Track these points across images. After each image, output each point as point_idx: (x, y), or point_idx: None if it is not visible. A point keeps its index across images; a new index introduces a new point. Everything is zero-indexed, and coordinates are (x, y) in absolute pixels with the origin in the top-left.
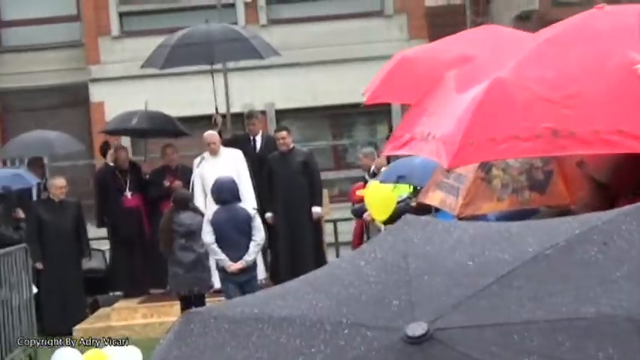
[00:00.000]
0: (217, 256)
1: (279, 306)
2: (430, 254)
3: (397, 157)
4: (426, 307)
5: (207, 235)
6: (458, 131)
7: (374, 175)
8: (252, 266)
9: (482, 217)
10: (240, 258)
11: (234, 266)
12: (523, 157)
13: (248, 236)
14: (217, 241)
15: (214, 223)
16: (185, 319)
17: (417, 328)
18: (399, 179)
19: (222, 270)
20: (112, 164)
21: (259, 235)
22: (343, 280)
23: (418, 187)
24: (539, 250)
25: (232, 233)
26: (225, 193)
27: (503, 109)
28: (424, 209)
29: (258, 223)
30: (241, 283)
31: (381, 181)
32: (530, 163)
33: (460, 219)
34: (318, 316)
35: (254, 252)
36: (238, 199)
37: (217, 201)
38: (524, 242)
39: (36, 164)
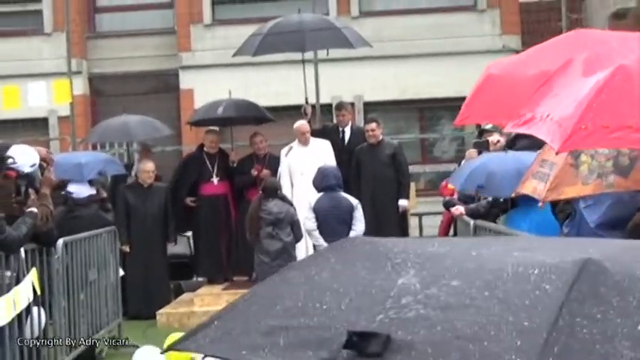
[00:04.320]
0: (318, 242)
1: None
2: None
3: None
4: None
5: (309, 222)
6: (573, 115)
7: None
8: None
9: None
10: None
11: None
12: (631, 148)
13: (348, 225)
14: (317, 227)
15: (316, 210)
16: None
17: None
18: (479, 189)
19: None
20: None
21: (360, 225)
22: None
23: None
24: None
25: (333, 221)
26: (331, 179)
27: (622, 98)
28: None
29: (359, 214)
30: None
31: (461, 189)
32: (618, 150)
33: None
34: None
35: None
36: (342, 188)
37: (321, 188)
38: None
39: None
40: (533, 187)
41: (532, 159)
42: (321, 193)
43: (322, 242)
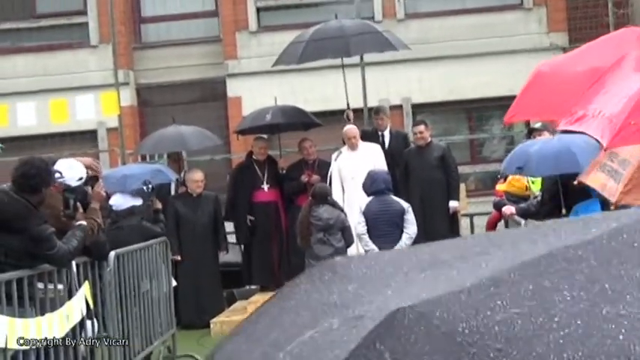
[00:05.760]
0: (368, 246)
1: None
2: None
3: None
4: None
5: (360, 226)
6: (623, 111)
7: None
8: None
9: None
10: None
11: None
12: None
13: (399, 229)
14: (368, 231)
15: (367, 214)
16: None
17: None
18: (517, 170)
19: None
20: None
21: (412, 228)
22: None
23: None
24: None
25: (383, 225)
26: (380, 183)
27: None
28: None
29: (411, 216)
30: None
31: (502, 172)
32: None
33: (618, 207)
34: None
35: (406, 244)
36: (391, 191)
37: (370, 192)
38: None
39: (173, 159)
40: (601, 183)
41: (579, 142)
42: (371, 197)
43: (372, 246)
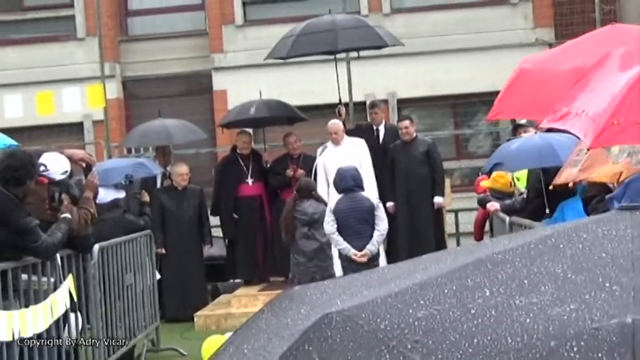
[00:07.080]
0: (339, 245)
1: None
2: None
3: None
4: None
5: (329, 225)
6: (607, 111)
7: None
8: (375, 256)
9: (607, 202)
10: (362, 247)
11: (359, 255)
12: None
13: (371, 225)
14: (339, 229)
15: (336, 212)
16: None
17: None
18: (496, 166)
19: (344, 259)
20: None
21: (383, 224)
22: None
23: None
24: None
25: (354, 222)
26: (349, 180)
27: None
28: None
29: (381, 212)
30: None
31: (483, 170)
32: None
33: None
34: None
35: (377, 242)
36: (361, 188)
37: (340, 189)
38: None
39: (160, 152)
40: (567, 175)
41: (560, 138)
42: (341, 195)
43: (344, 245)
